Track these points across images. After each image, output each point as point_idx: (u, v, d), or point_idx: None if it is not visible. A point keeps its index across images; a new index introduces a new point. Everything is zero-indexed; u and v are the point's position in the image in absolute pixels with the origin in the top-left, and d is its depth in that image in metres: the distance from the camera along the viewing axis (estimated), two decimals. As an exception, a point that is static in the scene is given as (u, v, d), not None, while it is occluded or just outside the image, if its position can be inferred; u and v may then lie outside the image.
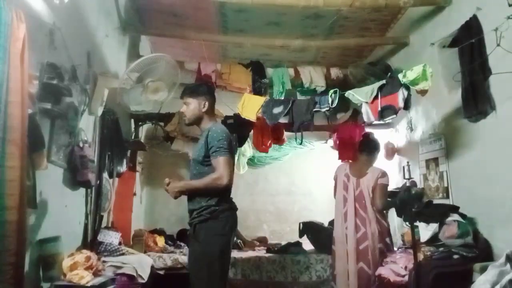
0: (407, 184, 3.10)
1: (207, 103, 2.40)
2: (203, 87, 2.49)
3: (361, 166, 3.43)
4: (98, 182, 3.19)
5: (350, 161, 3.71)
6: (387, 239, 3.25)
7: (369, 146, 3.48)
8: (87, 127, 2.99)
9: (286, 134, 4.21)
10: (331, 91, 3.32)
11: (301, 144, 3.80)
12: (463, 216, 2.87)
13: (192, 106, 2.39)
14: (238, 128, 3.88)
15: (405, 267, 2.82)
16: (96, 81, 2.99)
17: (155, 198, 5.14)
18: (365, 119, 3.21)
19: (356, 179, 3.35)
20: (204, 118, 2.41)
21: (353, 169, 3.45)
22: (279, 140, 4.24)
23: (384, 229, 3.24)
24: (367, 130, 4.05)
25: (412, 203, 2.93)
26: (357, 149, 3.57)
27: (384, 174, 3.32)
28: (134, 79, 3.08)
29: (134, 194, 4.47)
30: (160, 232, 4.32)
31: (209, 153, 2.25)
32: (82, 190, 2.94)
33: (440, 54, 3.35)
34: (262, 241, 4.98)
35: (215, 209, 2.21)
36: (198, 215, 2.23)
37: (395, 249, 3.35)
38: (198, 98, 2.39)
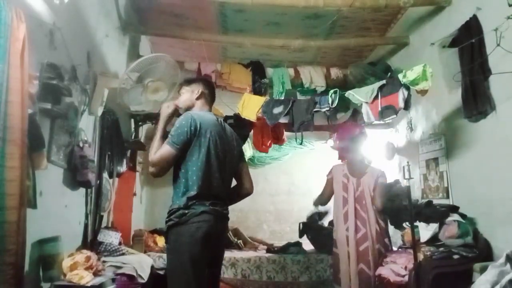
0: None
1: (200, 90, 2.23)
2: (199, 78, 2.37)
3: (359, 166, 3.42)
4: (98, 182, 3.19)
5: (346, 161, 3.71)
6: (386, 240, 3.25)
7: (358, 144, 3.50)
8: (87, 127, 2.99)
9: (286, 134, 4.21)
10: (331, 91, 3.32)
11: (301, 144, 3.80)
12: (463, 216, 2.87)
13: (186, 95, 2.25)
14: (238, 128, 3.87)
15: (405, 267, 2.82)
16: (96, 81, 2.99)
17: (155, 198, 5.14)
18: (365, 119, 3.21)
19: (357, 179, 3.34)
20: (195, 107, 2.22)
21: (352, 169, 3.43)
22: (279, 140, 4.24)
23: (382, 229, 3.24)
24: (361, 130, 4.07)
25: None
26: (349, 150, 3.58)
27: (383, 174, 3.34)
28: (134, 79, 3.07)
29: (134, 194, 4.47)
30: (160, 232, 4.30)
31: None
32: (82, 190, 2.94)
33: (440, 54, 3.35)
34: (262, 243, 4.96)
35: (183, 212, 1.93)
36: (168, 219, 1.99)
37: (395, 249, 3.35)
38: (192, 86, 2.25)
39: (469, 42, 2.82)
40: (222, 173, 2.08)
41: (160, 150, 1.99)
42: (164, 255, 3.71)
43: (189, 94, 2.24)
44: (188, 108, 2.22)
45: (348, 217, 3.27)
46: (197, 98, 2.23)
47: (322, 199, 3.57)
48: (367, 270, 3.11)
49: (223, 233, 2.14)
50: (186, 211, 1.94)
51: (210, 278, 2.05)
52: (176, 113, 2.23)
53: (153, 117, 4.21)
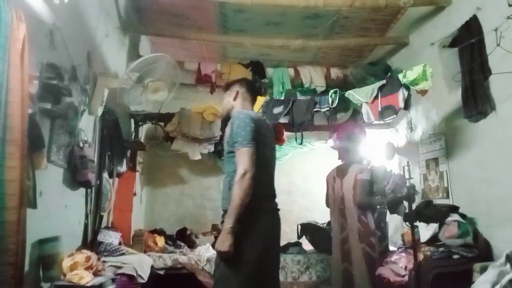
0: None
1: (238, 93, 2.22)
2: (238, 80, 2.34)
3: (345, 167, 3.42)
4: (98, 182, 3.19)
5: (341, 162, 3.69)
6: (372, 239, 3.19)
7: (350, 145, 3.46)
8: (87, 127, 2.99)
9: (286, 134, 4.21)
10: (331, 91, 3.33)
11: (301, 144, 3.81)
12: (463, 216, 2.87)
13: (225, 100, 2.27)
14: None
15: (405, 267, 2.82)
16: (96, 81, 2.99)
17: (155, 198, 5.13)
18: (365, 119, 3.22)
19: (340, 179, 3.36)
20: (234, 108, 2.20)
21: (339, 170, 3.45)
22: (279, 140, 4.24)
23: (367, 228, 3.19)
24: (368, 130, 4.07)
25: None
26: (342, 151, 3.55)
27: (362, 170, 3.26)
28: (134, 79, 3.08)
29: (134, 194, 4.47)
30: (160, 232, 4.32)
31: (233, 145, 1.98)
32: (82, 190, 2.94)
33: (440, 54, 3.35)
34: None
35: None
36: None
37: (393, 249, 3.35)
38: (231, 90, 2.26)
39: (469, 42, 2.82)
40: (273, 170, 2.14)
41: (242, 157, 1.90)
42: (164, 255, 3.72)
43: (228, 99, 2.25)
44: (227, 112, 2.24)
45: (335, 217, 3.33)
46: (234, 99, 2.23)
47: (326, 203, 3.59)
48: (350, 268, 3.15)
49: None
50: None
51: None
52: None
53: (153, 117, 4.22)
